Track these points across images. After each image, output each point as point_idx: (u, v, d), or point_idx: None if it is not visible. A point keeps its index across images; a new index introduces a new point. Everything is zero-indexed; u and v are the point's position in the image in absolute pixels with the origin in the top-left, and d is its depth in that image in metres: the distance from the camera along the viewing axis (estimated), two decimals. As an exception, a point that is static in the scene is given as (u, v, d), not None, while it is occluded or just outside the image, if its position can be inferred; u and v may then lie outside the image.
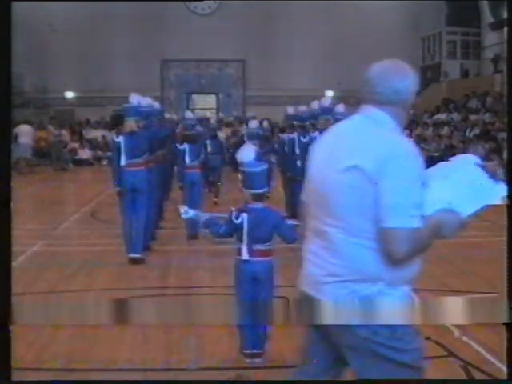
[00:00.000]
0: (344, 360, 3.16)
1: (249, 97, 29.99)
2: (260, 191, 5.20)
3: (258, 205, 5.21)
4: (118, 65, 28.35)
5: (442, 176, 3.11)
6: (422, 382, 2.86)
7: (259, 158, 5.47)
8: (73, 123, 28.27)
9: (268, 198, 6.28)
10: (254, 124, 13.06)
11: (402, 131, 3.08)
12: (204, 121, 16.50)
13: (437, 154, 21.57)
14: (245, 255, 5.19)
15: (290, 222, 5.39)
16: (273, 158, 13.38)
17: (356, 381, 3.17)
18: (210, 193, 14.16)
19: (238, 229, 5.18)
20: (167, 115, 15.72)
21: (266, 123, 16.94)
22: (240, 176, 5.28)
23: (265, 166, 5.29)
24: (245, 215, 5.17)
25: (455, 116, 25.07)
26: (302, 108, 12.00)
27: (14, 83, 18.68)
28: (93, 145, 26.99)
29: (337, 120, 9.23)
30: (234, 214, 5.19)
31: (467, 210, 3.00)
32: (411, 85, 3.04)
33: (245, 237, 5.17)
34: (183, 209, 5.41)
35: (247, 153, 5.33)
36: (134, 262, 8.84)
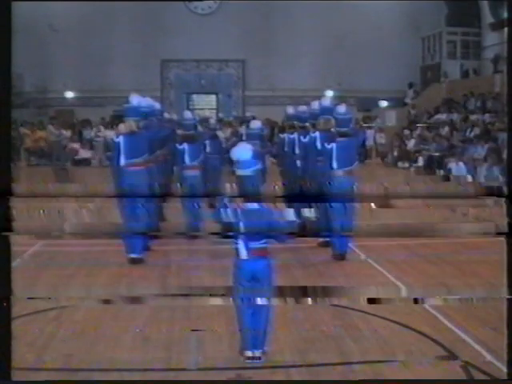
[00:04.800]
0: None
1: (249, 97, 29.97)
2: (252, 192, 5.20)
3: (253, 205, 5.21)
4: (118, 65, 28.32)
5: None
6: (422, 382, 2.86)
7: (256, 156, 5.44)
8: (73, 123, 28.22)
9: None
10: (254, 124, 13.03)
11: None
12: (204, 121, 16.47)
13: (437, 154, 21.56)
14: (243, 255, 5.19)
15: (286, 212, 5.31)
16: (267, 160, 13.33)
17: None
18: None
19: (232, 225, 5.19)
20: (166, 115, 15.70)
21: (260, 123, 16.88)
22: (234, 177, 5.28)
23: (258, 167, 5.28)
24: (239, 211, 5.18)
25: (455, 116, 25.06)
26: (302, 108, 11.98)
27: (14, 83, 18.64)
28: (93, 145, 26.95)
29: (337, 120, 9.25)
30: (228, 209, 5.20)
31: None
32: None
33: (241, 235, 5.18)
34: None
35: (243, 152, 5.30)
36: (134, 261, 8.84)
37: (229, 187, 5.38)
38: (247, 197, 5.18)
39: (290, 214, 5.33)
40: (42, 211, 11.12)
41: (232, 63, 29.76)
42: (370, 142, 26.56)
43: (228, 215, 5.19)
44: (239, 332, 5.34)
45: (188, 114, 11.69)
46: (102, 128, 26.75)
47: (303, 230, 10.56)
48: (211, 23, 28.83)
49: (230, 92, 30.23)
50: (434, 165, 21.20)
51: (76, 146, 26.23)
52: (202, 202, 11.02)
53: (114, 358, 5.44)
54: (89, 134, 26.82)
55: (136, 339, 5.90)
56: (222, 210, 5.22)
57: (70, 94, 29.35)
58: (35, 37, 26.84)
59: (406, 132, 25.75)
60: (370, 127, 27.10)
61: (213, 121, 18.24)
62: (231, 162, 5.45)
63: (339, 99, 15.26)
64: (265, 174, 5.46)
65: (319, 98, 10.94)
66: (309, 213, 5.34)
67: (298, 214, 5.41)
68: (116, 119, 23.72)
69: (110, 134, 26.77)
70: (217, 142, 15.36)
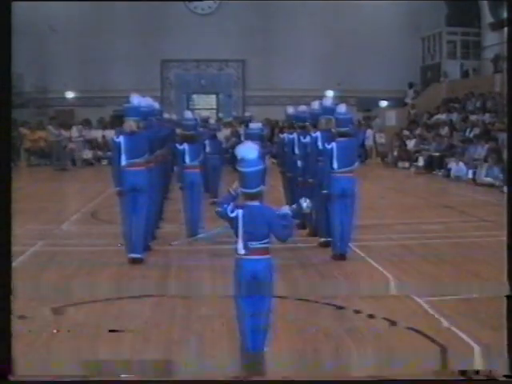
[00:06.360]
0: None
1: (249, 97, 29.98)
2: (255, 191, 5.20)
3: (255, 203, 5.22)
4: (118, 65, 28.32)
5: None
6: (422, 382, 2.86)
7: (260, 156, 5.45)
8: (73, 123, 28.20)
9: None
10: (254, 124, 13.03)
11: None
12: (204, 121, 16.49)
13: (437, 154, 21.57)
14: (240, 252, 5.18)
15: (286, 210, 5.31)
16: (267, 160, 13.35)
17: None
18: (207, 193, 14.11)
19: (232, 223, 5.18)
20: (166, 115, 15.70)
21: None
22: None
23: (262, 166, 5.28)
24: (240, 211, 5.18)
25: (455, 116, 25.06)
26: (302, 108, 11.98)
27: (14, 83, 18.63)
28: (93, 145, 26.96)
29: (337, 120, 9.25)
30: (230, 207, 5.20)
31: None
32: None
33: (240, 234, 5.17)
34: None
35: (249, 150, 5.30)
36: (134, 261, 8.84)
37: (232, 183, 5.37)
38: (249, 191, 5.18)
39: (286, 208, 5.34)
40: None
41: (232, 63, 29.77)
42: (369, 142, 26.58)
43: (232, 211, 5.19)
44: (239, 332, 5.34)
45: (188, 114, 11.68)
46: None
47: (302, 225, 10.62)
48: (211, 23, 28.85)
49: (230, 92, 30.24)
50: (434, 165, 21.22)
51: (76, 145, 26.24)
52: (202, 202, 11.01)
53: (113, 358, 5.44)
54: (79, 132, 26.78)
55: (136, 339, 5.89)
56: (225, 206, 5.23)
57: (70, 94, 29.35)
58: (35, 37, 26.85)
59: (406, 132, 25.76)
60: (369, 127, 27.12)
61: (213, 121, 18.29)
62: (233, 161, 5.46)
63: (339, 99, 15.24)
64: (265, 175, 5.47)
65: (319, 98, 10.93)
66: (304, 203, 5.33)
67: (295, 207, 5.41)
68: (116, 119, 23.75)
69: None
70: (217, 142, 15.40)
